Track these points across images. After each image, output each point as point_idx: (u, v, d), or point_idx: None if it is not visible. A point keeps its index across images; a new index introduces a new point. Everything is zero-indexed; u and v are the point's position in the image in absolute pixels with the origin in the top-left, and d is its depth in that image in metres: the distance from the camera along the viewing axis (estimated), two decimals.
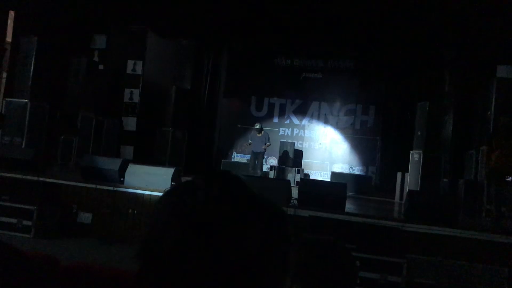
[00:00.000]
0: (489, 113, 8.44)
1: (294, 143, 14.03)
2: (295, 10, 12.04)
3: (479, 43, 11.03)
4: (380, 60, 13.85)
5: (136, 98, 12.94)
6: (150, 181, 6.77)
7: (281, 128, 15.14)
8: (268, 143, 11.88)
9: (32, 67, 9.32)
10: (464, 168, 10.11)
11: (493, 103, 8.33)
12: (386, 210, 8.44)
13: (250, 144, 12.23)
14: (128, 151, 12.53)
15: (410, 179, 10.68)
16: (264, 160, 12.72)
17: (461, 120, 11.29)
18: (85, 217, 6.83)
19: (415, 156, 10.62)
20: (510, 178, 6.56)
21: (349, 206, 6.98)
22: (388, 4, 11.24)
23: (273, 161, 14.36)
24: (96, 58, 12.82)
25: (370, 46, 13.40)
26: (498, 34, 10.48)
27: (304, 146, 14.82)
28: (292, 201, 6.50)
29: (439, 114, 10.95)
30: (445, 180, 10.64)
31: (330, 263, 1.39)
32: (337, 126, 14.80)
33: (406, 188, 10.90)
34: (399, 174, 11.62)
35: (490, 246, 5.52)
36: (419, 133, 10.75)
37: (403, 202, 10.60)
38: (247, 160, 13.61)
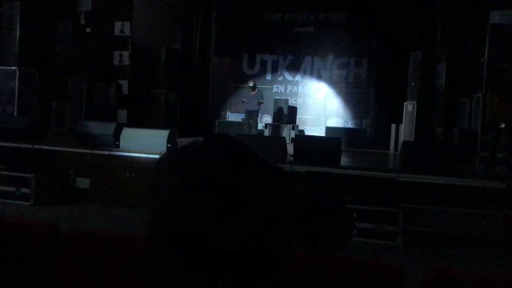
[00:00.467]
0: (482, 60, 8.38)
1: (288, 99, 13.99)
2: None
3: None
4: (372, 11, 13.60)
5: (126, 61, 12.74)
6: (145, 144, 6.77)
7: (274, 85, 15.03)
8: (261, 101, 11.80)
9: (17, 34, 9.09)
10: (458, 116, 10.15)
11: (487, 50, 8.24)
12: (381, 162, 8.52)
13: (244, 102, 12.14)
14: (122, 114, 12.47)
15: (404, 130, 10.74)
16: (258, 118, 12.69)
17: (455, 68, 11.22)
18: (83, 182, 6.88)
19: (409, 106, 10.65)
20: (503, 125, 6.60)
21: (344, 160, 7.05)
22: None
23: (267, 118, 14.35)
24: (82, 21, 12.52)
25: None
26: None
27: (298, 103, 14.77)
28: (288, 157, 6.54)
29: (432, 63, 10.90)
30: (439, 129, 10.70)
31: (327, 217, 1.41)
32: (330, 80, 14.69)
33: (401, 139, 10.97)
34: (393, 126, 11.67)
35: (483, 192, 5.63)
36: (412, 83, 10.73)
37: (398, 153, 10.71)
38: (241, 119, 13.59)
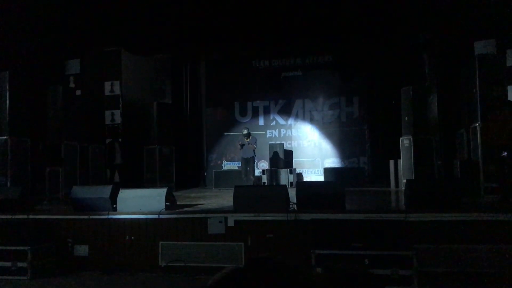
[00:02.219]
0: (474, 90, 8.41)
1: (283, 143, 13.93)
2: (267, 10, 11.93)
3: (453, 21, 11.04)
4: (358, 50, 13.79)
5: (118, 119, 12.73)
6: (143, 204, 6.58)
7: (267, 131, 15.02)
8: (254, 146, 11.58)
9: (7, 103, 9.04)
10: (456, 148, 10.09)
11: (477, 80, 8.30)
12: (385, 202, 8.35)
13: (242, 144, 11.69)
14: (117, 174, 12.32)
15: (403, 166, 10.64)
16: (255, 164, 12.56)
17: (446, 100, 11.29)
18: (82, 249, 6.63)
19: (405, 142, 10.59)
20: (505, 153, 6.50)
21: (348, 202, 6.86)
22: None
23: (264, 164, 14.24)
24: (72, 84, 12.58)
25: (346, 37, 13.34)
26: (470, 10, 10.50)
27: (293, 146, 14.72)
28: (291, 205, 6.37)
29: (423, 97, 10.94)
30: (439, 162, 10.61)
31: None
32: (323, 121, 14.71)
33: (400, 175, 10.86)
34: (391, 162, 11.57)
35: (496, 225, 5.45)
36: (406, 118, 10.71)
37: (399, 189, 10.56)
38: (238, 167, 13.46)
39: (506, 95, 8.74)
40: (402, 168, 10.66)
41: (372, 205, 7.59)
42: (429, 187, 6.20)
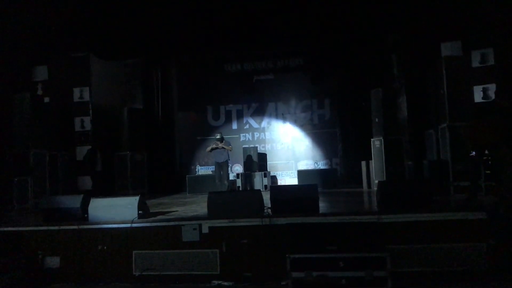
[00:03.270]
0: (442, 91, 8.59)
1: (257, 147, 13.94)
2: (238, 14, 11.92)
3: (420, 23, 11.26)
4: (328, 53, 13.95)
5: (88, 126, 12.50)
6: (115, 213, 6.46)
7: (241, 134, 15.02)
8: (230, 146, 11.49)
9: None
10: (426, 148, 10.29)
11: (445, 81, 8.49)
12: (358, 203, 8.43)
13: (211, 149, 11.56)
14: (87, 181, 12.07)
15: (374, 166, 10.80)
16: (229, 168, 12.50)
17: (415, 101, 11.50)
18: (53, 261, 6.47)
19: (376, 143, 10.75)
20: (473, 152, 6.65)
21: (321, 205, 6.91)
22: None
23: (238, 168, 14.22)
24: (40, 91, 12.29)
25: (316, 40, 13.44)
26: (437, 12, 10.73)
27: (267, 149, 14.77)
28: (265, 210, 6.37)
29: (393, 98, 11.13)
30: (409, 162, 10.80)
31: None
32: (296, 123, 14.82)
33: (372, 175, 11.01)
34: (363, 163, 11.72)
35: (466, 224, 5.57)
36: (376, 119, 10.88)
37: (371, 190, 10.70)
38: (212, 171, 13.39)
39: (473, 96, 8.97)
40: (374, 168, 10.82)
41: (346, 206, 7.65)
42: (400, 188, 6.29)
